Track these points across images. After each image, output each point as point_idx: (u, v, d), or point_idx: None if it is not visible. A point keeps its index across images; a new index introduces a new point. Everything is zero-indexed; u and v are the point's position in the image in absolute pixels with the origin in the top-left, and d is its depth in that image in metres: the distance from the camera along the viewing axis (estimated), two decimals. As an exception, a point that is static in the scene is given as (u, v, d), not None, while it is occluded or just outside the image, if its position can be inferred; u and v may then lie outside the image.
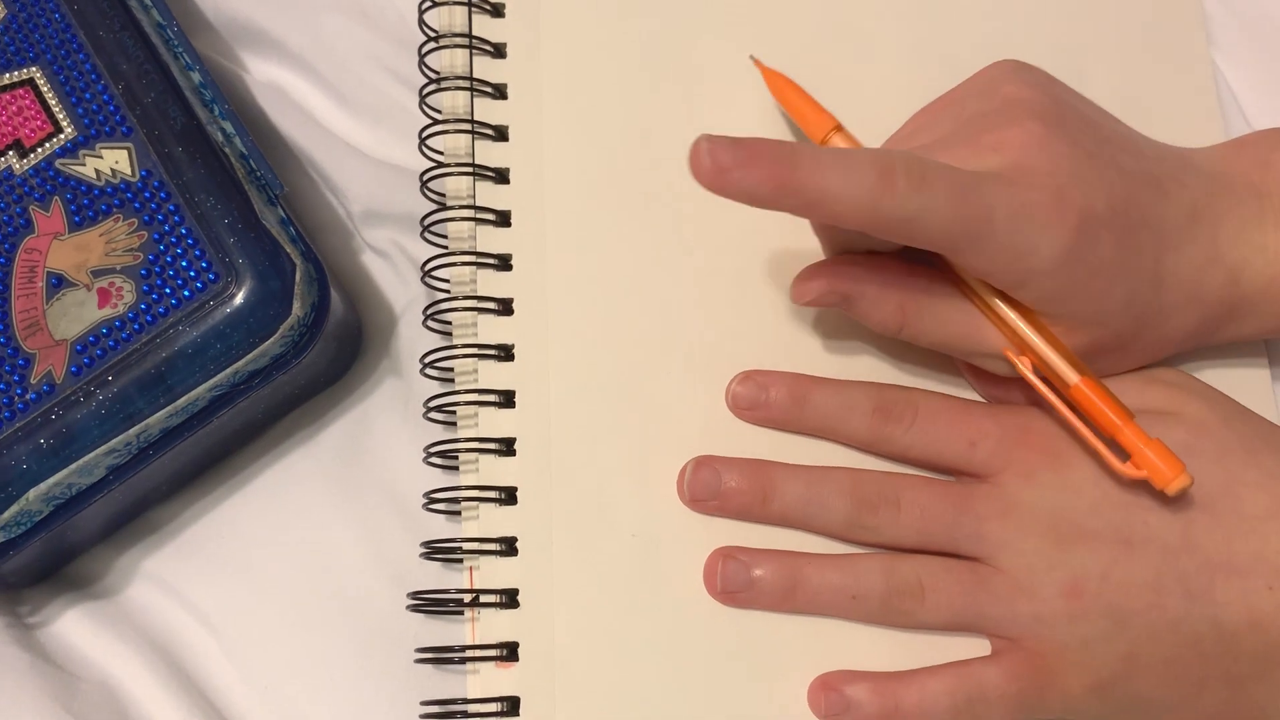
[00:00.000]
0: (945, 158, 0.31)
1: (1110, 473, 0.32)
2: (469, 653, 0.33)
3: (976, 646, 0.33)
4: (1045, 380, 0.32)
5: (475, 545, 0.34)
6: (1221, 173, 0.34)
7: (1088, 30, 0.40)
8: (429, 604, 0.34)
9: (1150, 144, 0.35)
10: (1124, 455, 0.31)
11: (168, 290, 0.34)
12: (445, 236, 0.37)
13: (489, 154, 0.38)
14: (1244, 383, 0.36)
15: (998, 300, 0.32)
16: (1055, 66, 0.39)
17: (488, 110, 0.38)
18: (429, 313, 0.36)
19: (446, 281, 0.37)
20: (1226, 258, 0.33)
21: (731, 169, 0.28)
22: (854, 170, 0.29)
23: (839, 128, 0.35)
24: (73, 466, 0.33)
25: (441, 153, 0.38)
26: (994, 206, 0.30)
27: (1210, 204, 0.33)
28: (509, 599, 0.34)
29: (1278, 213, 0.33)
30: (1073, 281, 0.31)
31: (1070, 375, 0.32)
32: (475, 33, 0.39)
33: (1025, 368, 0.32)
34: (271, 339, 0.34)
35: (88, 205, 0.35)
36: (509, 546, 0.34)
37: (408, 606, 0.34)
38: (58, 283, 0.35)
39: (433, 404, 0.36)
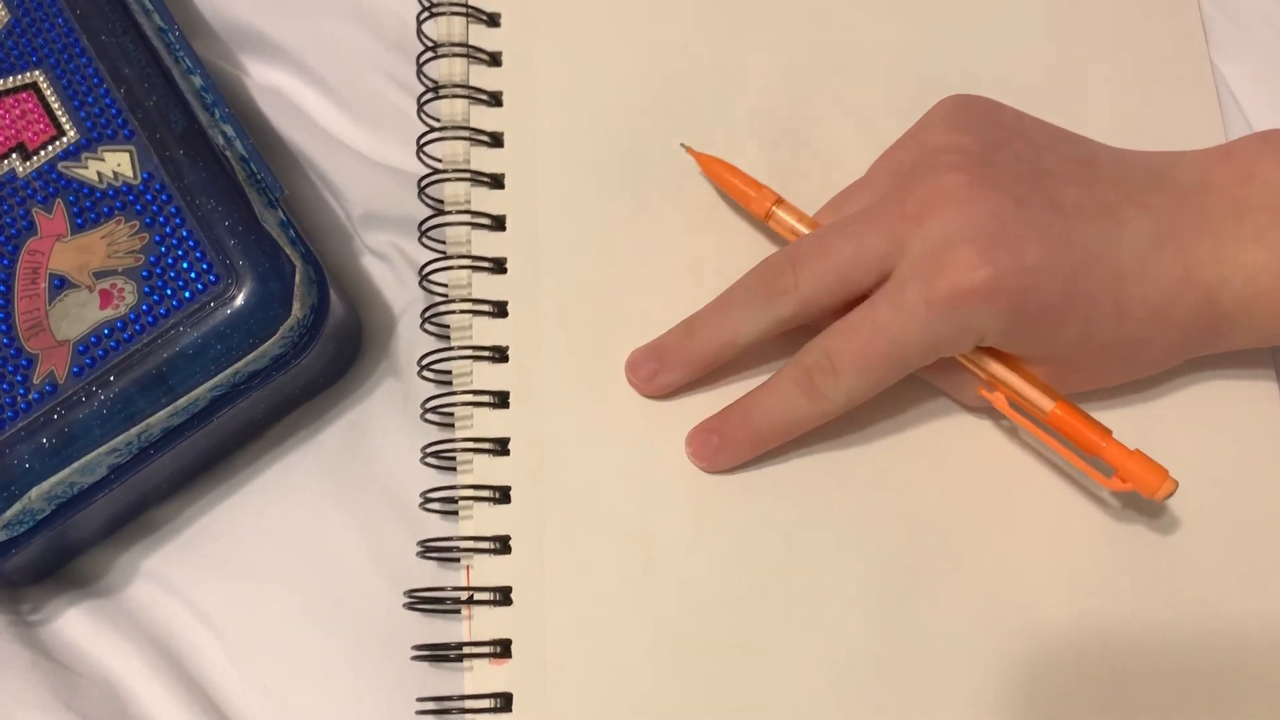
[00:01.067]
0: (879, 227, 0.32)
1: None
2: (464, 650, 0.34)
3: (977, 651, 0.34)
4: (1022, 410, 0.33)
5: (470, 544, 0.35)
6: (1198, 187, 0.33)
7: (1086, 36, 0.40)
8: (424, 602, 0.35)
9: (1118, 163, 0.34)
10: (1109, 471, 0.32)
11: (169, 291, 0.35)
12: (443, 241, 0.38)
13: (485, 160, 0.38)
14: (1249, 391, 0.36)
15: None
16: (1054, 73, 0.40)
17: (484, 117, 0.39)
18: (426, 315, 0.37)
19: (444, 285, 0.37)
20: (1200, 278, 0.32)
21: (710, 458, 0.35)
22: (784, 396, 0.34)
23: (780, 201, 0.36)
24: (74, 465, 0.33)
25: (439, 159, 0.38)
26: (907, 337, 0.32)
27: (1179, 225, 0.32)
28: (503, 596, 0.34)
29: (1258, 228, 0.32)
30: (1018, 329, 0.32)
31: (1045, 403, 0.33)
32: (472, 42, 0.39)
33: (1001, 402, 0.33)
34: (271, 340, 0.34)
35: (90, 207, 0.36)
36: (503, 544, 0.35)
37: (404, 604, 0.35)
38: (60, 284, 0.35)
39: (429, 405, 0.36)
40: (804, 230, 0.35)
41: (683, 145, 0.38)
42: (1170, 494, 0.31)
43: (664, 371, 0.35)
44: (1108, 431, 0.32)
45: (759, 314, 0.34)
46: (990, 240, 0.31)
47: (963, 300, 0.31)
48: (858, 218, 0.33)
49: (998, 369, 0.33)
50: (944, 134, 0.33)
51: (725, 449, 0.35)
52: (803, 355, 0.34)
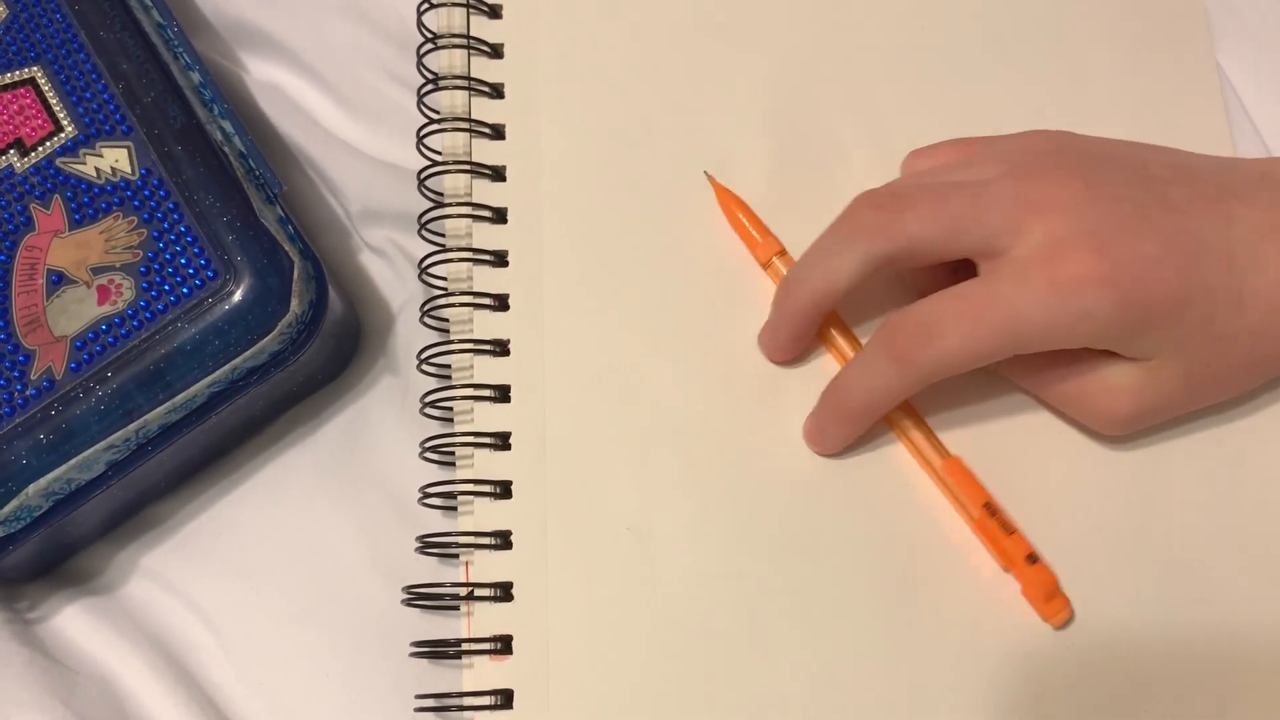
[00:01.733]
0: (998, 203, 0.32)
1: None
2: (463, 646, 0.33)
3: (978, 650, 0.34)
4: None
5: (470, 539, 0.34)
6: None
7: (1091, 33, 0.40)
8: (423, 598, 0.34)
9: (1216, 167, 0.34)
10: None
11: (167, 287, 0.34)
12: (443, 235, 0.38)
13: (486, 152, 0.38)
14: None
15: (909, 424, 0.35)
16: (1059, 68, 0.39)
17: (485, 109, 0.38)
18: (426, 309, 0.37)
19: (444, 279, 0.37)
20: None
21: (819, 443, 0.35)
22: (869, 370, 0.34)
23: (782, 252, 0.37)
24: (72, 462, 0.33)
25: (439, 152, 0.38)
26: (1027, 313, 0.31)
27: None
28: (503, 592, 0.34)
29: None
30: (1138, 319, 0.31)
31: (935, 459, 0.35)
32: (473, 33, 0.39)
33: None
34: (269, 336, 0.34)
35: (88, 203, 0.35)
36: (503, 540, 0.34)
37: (403, 601, 0.34)
38: (58, 280, 0.35)
39: (429, 399, 0.36)
40: None
41: (706, 174, 0.38)
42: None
43: (778, 336, 0.35)
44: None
45: (857, 254, 0.33)
46: (1109, 237, 0.31)
47: (1086, 287, 0.31)
48: (973, 187, 0.33)
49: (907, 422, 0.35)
50: (1058, 145, 0.34)
51: (829, 431, 0.35)
52: (892, 323, 0.33)
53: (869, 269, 0.33)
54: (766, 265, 0.37)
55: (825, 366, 0.36)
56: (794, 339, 0.35)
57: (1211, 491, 0.35)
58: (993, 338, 0.32)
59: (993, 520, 0.34)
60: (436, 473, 0.36)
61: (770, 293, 0.36)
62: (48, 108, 0.37)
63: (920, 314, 0.32)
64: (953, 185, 0.33)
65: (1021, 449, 0.35)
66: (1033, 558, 0.34)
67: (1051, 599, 0.33)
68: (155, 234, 0.35)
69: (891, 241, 0.32)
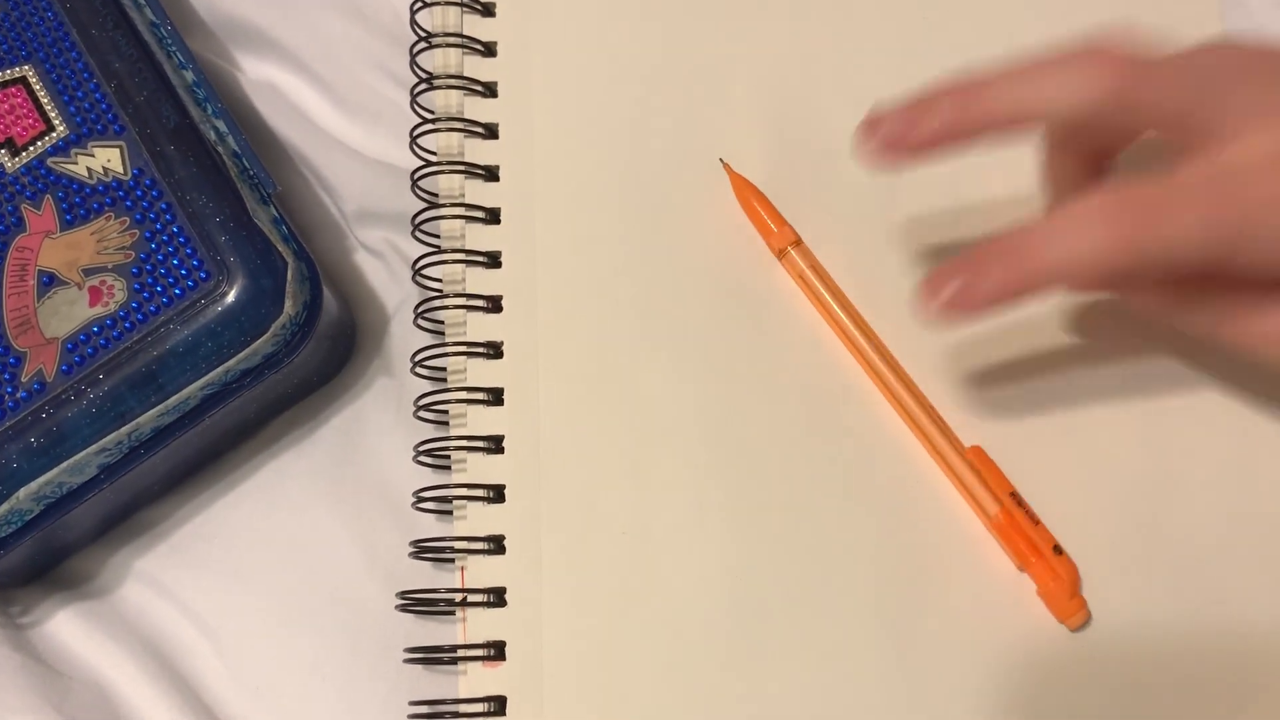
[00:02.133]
0: (1229, 97, 0.29)
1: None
2: (457, 652, 0.33)
3: (983, 652, 0.33)
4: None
5: (463, 544, 0.34)
6: None
7: (1098, 23, 0.40)
8: (418, 604, 0.34)
9: None
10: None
11: (159, 289, 0.34)
12: (437, 235, 0.37)
13: (479, 152, 0.38)
14: None
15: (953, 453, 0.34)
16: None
17: (478, 109, 0.38)
18: (419, 311, 0.36)
19: (438, 280, 0.37)
20: None
21: (969, 292, 0.28)
22: (1083, 227, 0.28)
23: (798, 242, 0.36)
24: (64, 465, 0.33)
25: (433, 151, 0.38)
26: (1253, 205, 0.28)
27: None
28: (497, 598, 0.34)
29: None
30: None
31: (991, 507, 0.34)
32: (466, 32, 0.39)
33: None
34: (263, 337, 0.34)
35: (79, 204, 0.35)
36: (497, 545, 0.34)
37: (396, 606, 0.34)
38: (49, 281, 0.35)
39: (422, 402, 0.35)
40: (813, 279, 0.36)
41: (721, 161, 0.37)
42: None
43: (926, 118, 0.29)
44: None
45: (1093, 95, 0.29)
46: None
47: None
48: (1203, 71, 0.29)
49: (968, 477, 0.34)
50: (1238, 47, 0.30)
51: (984, 282, 0.28)
52: (1115, 191, 0.29)
53: (1092, 116, 0.29)
54: (781, 255, 0.36)
55: (823, 374, 0.36)
56: (945, 136, 0.29)
57: (1231, 489, 0.35)
58: (1225, 232, 0.28)
59: (1020, 510, 0.33)
60: (433, 476, 0.36)
61: (773, 288, 0.36)
62: (39, 107, 0.36)
63: (1157, 187, 0.28)
64: (1184, 62, 0.30)
65: (1032, 446, 0.35)
66: (1059, 549, 0.33)
67: (1074, 596, 0.33)
68: (147, 234, 0.35)
69: (1130, 96, 0.29)
